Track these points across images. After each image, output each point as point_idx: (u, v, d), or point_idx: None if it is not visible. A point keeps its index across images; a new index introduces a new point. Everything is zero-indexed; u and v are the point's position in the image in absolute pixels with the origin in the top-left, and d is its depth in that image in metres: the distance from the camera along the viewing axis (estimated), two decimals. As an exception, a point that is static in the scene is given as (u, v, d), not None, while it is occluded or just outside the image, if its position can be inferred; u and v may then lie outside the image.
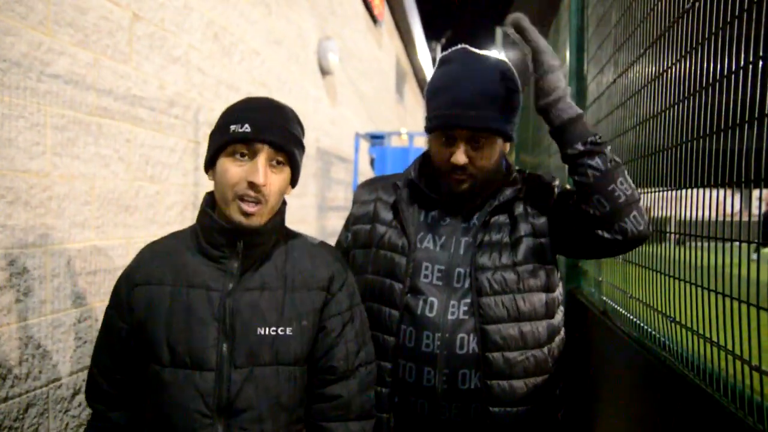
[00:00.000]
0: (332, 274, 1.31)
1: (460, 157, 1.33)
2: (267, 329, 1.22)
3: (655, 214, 1.48)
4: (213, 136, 1.25)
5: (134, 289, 1.25)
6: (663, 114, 1.37)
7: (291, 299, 1.25)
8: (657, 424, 1.39)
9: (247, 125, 1.18)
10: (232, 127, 1.18)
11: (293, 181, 1.29)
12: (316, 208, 5.35)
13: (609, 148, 1.27)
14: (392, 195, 1.49)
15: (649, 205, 1.57)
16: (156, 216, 2.59)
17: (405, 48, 12.95)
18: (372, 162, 5.86)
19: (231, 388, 1.18)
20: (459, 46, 1.42)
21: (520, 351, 1.34)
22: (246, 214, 1.19)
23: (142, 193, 2.49)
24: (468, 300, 1.35)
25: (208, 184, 3.18)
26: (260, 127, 1.18)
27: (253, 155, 1.19)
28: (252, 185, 1.17)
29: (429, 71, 15.44)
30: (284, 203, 1.30)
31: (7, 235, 1.80)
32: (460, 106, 1.32)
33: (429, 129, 1.41)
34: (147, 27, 2.54)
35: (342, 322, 1.29)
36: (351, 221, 1.56)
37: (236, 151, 1.19)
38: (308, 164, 5.06)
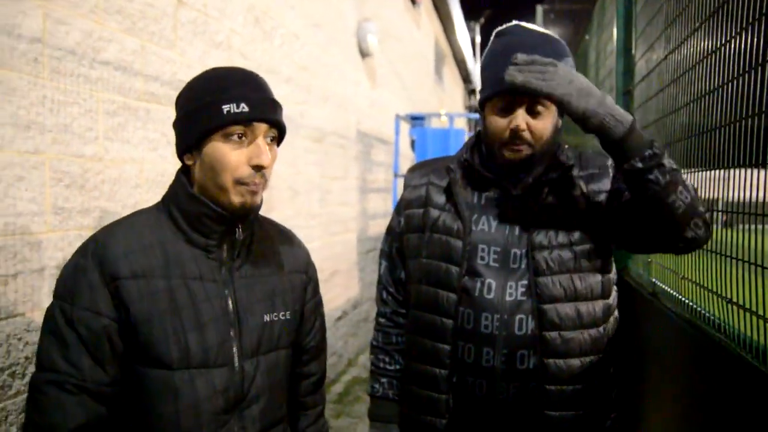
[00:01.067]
0: (306, 258, 1.35)
1: (520, 121, 1.30)
2: (269, 315, 1.20)
3: (703, 195, 1.44)
4: (192, 117, 1.12)
5: (117, 281, 1.08)
6: (717, 92, 1.33)
7: (282, 283, 1.25)
8: (711, 406, 1.36)
9: (243, 104, 1.08)
10: (226, 107, 1.07)
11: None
12: (358, 190, 5.38)
13: (667, 155, 1.20)
14: (444, 178, 1.48)
15: (697, 185, 1.53)
16: (202, 199, 2.64)
17: (444, 29, 12.78)
18: (412, 144, 5.84)
19: (245, 380, 1.15)
20: (513, 22, 1.41)
21: (576, 330, 1.34)
22: (251, 194, 1.12)
23: (189, 177, 2.55)
24: (524, 281, 1.35)
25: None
26: (257, 106, 1.10)
27: (251, 135, 1.10)
28: (258, 168, 1.10)
29: (468, 52, 15.22)
30: None
31: (65, 218, 1.87)
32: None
33: (486, 97, 1.37)
34: (190, 13, 2.58)
35: (317, 305, 1.37)
36: (403, 206, 1.56)
37: (233, 132, 1.09)
38: (349, 147, 5.08)
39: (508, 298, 1.34)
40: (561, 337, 1.33)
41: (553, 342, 1.33)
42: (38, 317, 1.78)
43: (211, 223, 1.13)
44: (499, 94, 1.33)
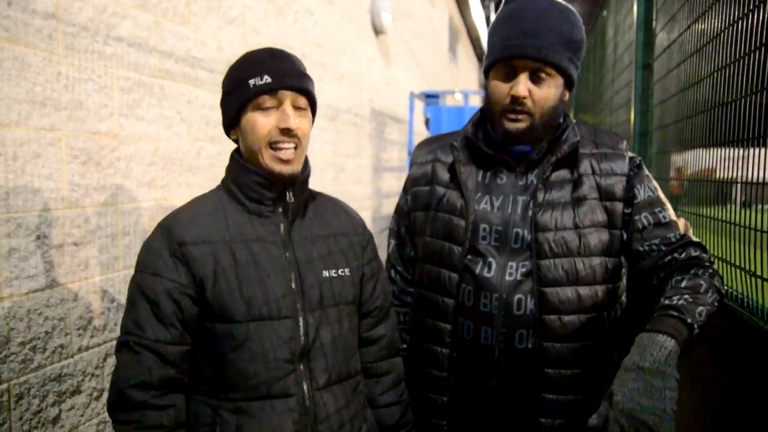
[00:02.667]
0: (362, 224, 1.42)
1: (520, 88, 1.27)
2: (329, 272, 1.27)
3: (723, 174, 1.42)
4: (230, 96, 1.24)
5: (184, 247, 1.18)
6: (740, 62, 1.29)
7: (339, 243, 1.33)
8: (736, 382, 1.35)
9: (266, 76, 1.19)
10: (252, 81, 1.19)
11: (313, 122, 1.33)
12: (371, 169, 5.36)
13: (700, 315, 1.14)
14: (450, 155, 1.45)
15: (716, 164, 1.50)
16: (217, 176, 2.63)
17: (458, 6, 12.61)
18: (427, 122, 5.79)
19: (309, 331, 1.22)
20: None
21: (577, 314, 1.31)
22: (283, 161, 1.21)
23: (203, 153, 2.55)
24: (526, 262, 1.32)
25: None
26: (280, 75, 1.20)
27: (278, 104, 1.20)
28: (285, 131, 1.19)
29: (483, 30, 15.01)
30: (306, 158, 1.32)
31: (82, 194, 1.88)
32: (523, 35, 1.26)
33: (489, 64, 1.34)
34: (204, -12, 2.56)
35: (377, 267, 1.41)
36: (410, 183, 1.54)
37: (261, 103, 1.20)
38: (363, 125, 5.05)
39: (507, 278, 1.33)
40: (560, 321, 1.30)
41: (552, 325, 1.31)
42: (57, 293, 1.80)
43: (262, 189, 1.23)
44: (502, 60, 1.30)
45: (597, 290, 1.33)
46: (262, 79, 1.18)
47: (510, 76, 1.30)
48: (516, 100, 1.29)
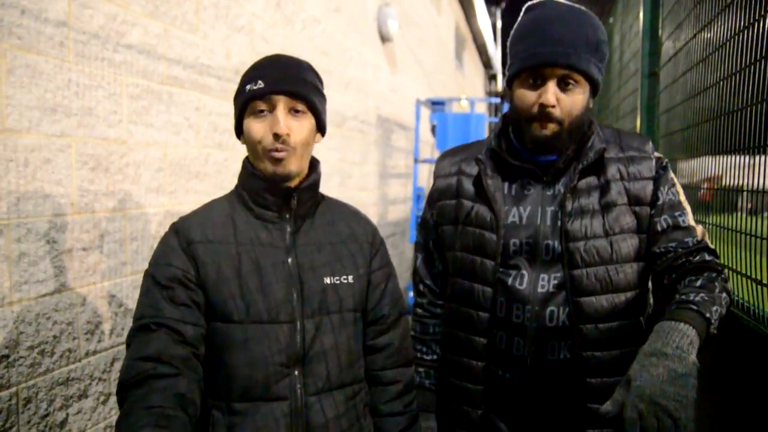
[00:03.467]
0: (373, 230, 1.41)
1: (549, 96, 1.25)
2: (331, 278, 1.28)
3: (730, 182, 1.41)
4: (234, 102, 1.29)
5: (192, 246, 1.22)
6: (746, 71, 1.29)
7: (346, 251, 1.32)
8: (740, 390, 1.35)
9: (260, 81, 1.21)
10: (248, 87, 1.22)
11: (321, 129, 1.32)
12: (377, 175, 5.37)
13: (716, 312, 1.15)
14: (474, 167, 1.43)
15: (723, 171, 1.50)
16: (224, 182, 2.67)
17: (464, 14, 12.65)
18: (433, 129, 5.80)
19: (306, 337, 1.23)
20: None
21: (614, 321, 1.31)
22: (276, 160, 1.21)
23: (211, 160, 2.57)
24: (558, 273, 1.32)
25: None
26: (273, 80, 1.21)
27: (272, 108, 1.21)
28: (276, 136, 1.20)
29: (489, 37, 15.04)
30: (318, 162, 1.35)
31: (91, 200, 1.90)
32: (551, 44, 1.25)
33: (515, 72, 1.32)
34: (213, -4, 2.58)
35: (386, 275, 1.39)
36: (435, 197, 1.52)
37: (256, 108, 1.22)
38: (369, 132, 5.07)
39: (540, 290, 1.32)
40: (598, 329, 1.30)
41: (590, 334, 1.30)
42: (66, 297, 1.82)
43: (267, 195, 1.26)
44: (529, 68, 1.28)
45: (631, 296, 1.32)
46: (255, 84, 1.21)
47: (537, 84, 1.28)
48: (544, 108, 1.27)
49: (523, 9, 1.36)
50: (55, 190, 1.76)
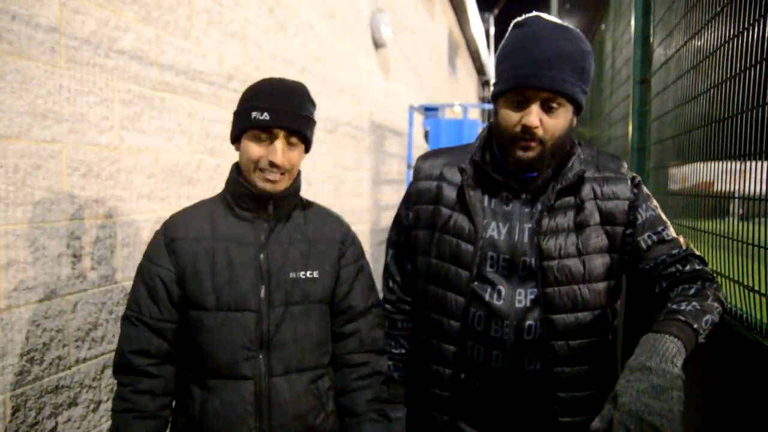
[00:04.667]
0: (344, 231, 1.55)
1: (533, 118, 1.26)
2: (297, 273, 1.43)
3: (721, 188, 1.42)
4: (238, 116, 1.43)
5: (174, 242, 1.41)
6: (736, 78, 1.30)
7: (314, 250, 1.48)
8: (733, 397, 1.35)
9: (266, 114, 1.36)
10: (254, 114, 1.37)
11: (307, 149, 1.49)
12: (370, 181, 5.37)
13: (705, 324, 1.14)
14: (456, 175, 1.44)
15: (714, 177, 1.50)
16: (217, 188, 2.64)
17: (458, 20, 12.70)
18: (426, 135, 5.81)
19: (270, 324, 1.39)
20: (533, 13, 1.37)
21: (584, 338, 1.33)
22: (269, 181, 1.39)
23: (203, 166, 2.56)
24: (534, 289, 1.34)
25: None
26: (277, 115, 1.36)
27: (272, 138, 1.37)
28: (272, 164, 1.37)
29: (482, 43, 15.11)
30: (299, 172, 1.48)
31: (81, 206, 1.88)
32: (537, 65, 1.25)
33: (500, 91, 1.33)
34: (205, 2, 2.58)
35: (355, 270, 1.54)
36: (413, 199, 1.52)
37: (258, 134, 1.38)
38: (362, 138, 5.07)
39: (517, 305, 1.34)
40: (568, 346, 1.33)
41: (560, 350, 1.33)
42: (56, 304, 1.80)
43: (248, 201, 1.42)
44: (515, 89, 1.29)
45: (599, 313, 1.35)
46: (261, 115, 1.36)
47: (521, 105, 1.29)
48: (527, 130, 1.28)
49: (511, 25, 1.36)
50: (45, 197, 1.75)
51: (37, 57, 1.71)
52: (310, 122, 1.45)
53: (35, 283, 1.73)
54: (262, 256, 1.41)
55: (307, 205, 1.56)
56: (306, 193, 3.84)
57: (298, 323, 1.41)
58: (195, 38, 2.49)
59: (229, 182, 1.46)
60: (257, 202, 1.42)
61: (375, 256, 5.41)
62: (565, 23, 1.33)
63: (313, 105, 1.47)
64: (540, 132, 1.28)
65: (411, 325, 1.56)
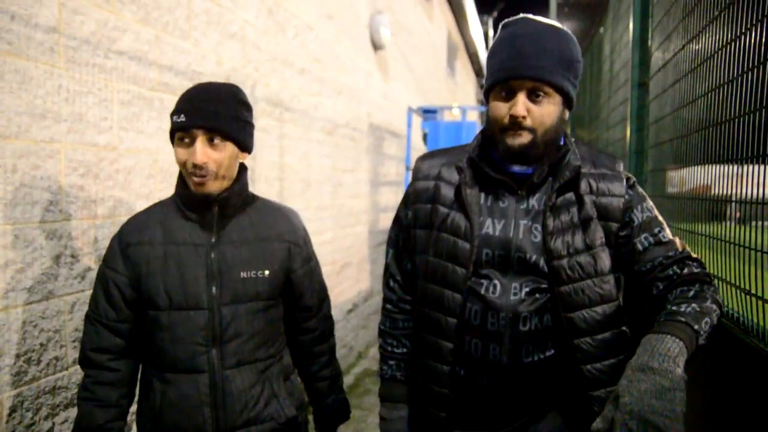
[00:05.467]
0: (293, 231, 1.61)
1: (519, 108, 1.29)
2: (247, 272, 1.49)
3: (719, 191, 1.42)
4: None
5: (128, 248, 1.46)
6: (734, 83, 1.31)
7: (263, 248, 1.53)
8: (729, 400, 1.35)
9: (182, 115, 1.39)
10: (174, 118, 1.40)
11: (245, 149, 1.50)
12: (369, 183, 5.38)
13: (705, 325, 1.16)
14: (454, 174, 1.46)
15: (712, 181, 1.51)
16: (215, 189, 2.65)
17: (456, 22, 12.72)
18: (425, 137, 5.82)
19: (222, 321, 1.46)
20: (520, 15, 1.40)
21: (608, 332, 1.34)
22: (197, 184, 1.42)
23: (202, 167, 2.56)
24: (530, 282, 1.35)
25: (261, 159, 3.24)
26: (192, 116, 1.39)
27: (192, 139, 1.40)
28: (195, 165, 1.39)
29: (481, 45, 15.12)
30: (245, 169, 1.53)
31: (80, 207, 1.88)
32: (520, 57, 1.29)
33: (488, 86, 1.37)
34: (204, 3, 2.58)
35: (309, 270, 1.63)
36: (412, 198, 1.54)
37: (181, 137, 1.41)
38: (361, 139, 5.07)
39: (512, 297, 1.35)
40: (593, 341, 1.33)
41: (586, 348, 1.33)
42: (53, 305, 1.80)
43: (193, 203, 1.47)
44: (500, 81, 1.33)
45: (617, 305, 1.36)
46: (179, 117, 1.39)
47: (509, 97, 1.32)
48: (515, 119, 1.30)
49: (500, 26, 1.40)
50: (43, 197, 1.75)
51: (36, 57, 1.71)
52: (236, 121, 1.45)
53: (33, 284, 1.73)
54: (213, 255, 1.46)
55: (259, 202, 1.60)
56: (304, 194, 3.84)
57: (248, 320, 1.48)
58: (194, 39, 2.49)
59: (177, 186, 1.50)
60: (201, 204, 1.46)
61: (372, 258, 5.41)
62: (555, 23, 1.35)
63: (246, 107, 1.49)
64: (528, 122, 1.31)
65: (412, 324, 1.57)
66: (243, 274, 1.48)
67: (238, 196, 1.51)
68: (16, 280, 1.67)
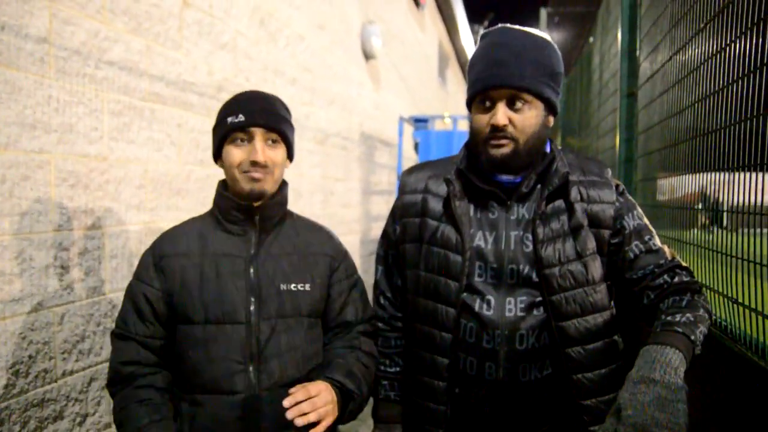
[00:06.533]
0: (334, 245, 1.57)
1: (499, 117, 1.29)
2: (288, 285, 1.43)
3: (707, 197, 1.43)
4: (215, 130, 1.45)
5: (163, 260, 1.41)
6: (720, 93, 1.32)
7: (305, 262, 1.48)
8: (717, 408, 1.36)
9: (241, 115, 1.38)
10: (229, 119, 1.39)
11: (290, 156, 1.50)
12: (360, 192, 5.38)
13: (700, 333, 1.16)
14: (442, 186, 1.45)
15: (701, 188, 1.52)
16: (206, 199, 2.65)
17: (447, 31, 12.79)
18: (416, 146, 5.83)
19: (261, 337, 1.38)
20: (499, 25, 1.40)
21: (599, 341, 1.33)
22: (254, 180, 1.39)
23: (193, 177, 2.56)
24: (524, 297, 1.34)
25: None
26: (252, 114, 1.39)
27: (250, 139, 1.39)
28: (254, 163, 1.38)
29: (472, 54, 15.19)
30: (286, 184, 1.51)
31: (70, 217, 1.87)
32: (497, 66, 1.29)
33: (469, 98, 1.37)
34: (196, 13, 2.59)
35: (349, 286, 1.54)
36: (399, 213, 1.53)
37: (236, 138, 1.40)
38: (352, 149, 5.08)
39: (508, 314, 1.34)
40: (585, 350, 1.32)
41: (577, 357, 1.32)
42: (43, 316, 1.78)
43: (235, 213, 1.43)
44: (479, 92, 1.32)
45: (608, 315, 1.35)
46: (236, 117, 1.38)
47: (488, 108, 1.32)
48: (496, 129, 1.30)
49: (479, 36, 1.40)
50: (33, 207, 1.74)
51: (26, 67, 1.71)
52: (287, 123, 1.46)
53: (22, 295, 1.71)
54: (252, 268, 1.41)
55: (297, 218, 1.57)
56: (295, 204, 3.84)
57: (288, 336, 1.41)
58: (185, 49, 2.50)
59: (216, 198, 1.48)
60: (244, 214, 1.43)
61: (364, 267, 5.40)
62: (534, 31, 1.35)
63: (288, 112, 1.49)
64: (510, 130, 1.30)
65: (404, 342, 1.55)
66: (283, 287, 1.42)
67: (279, 207, 1.48)
68: (4, 292, 1.66)
